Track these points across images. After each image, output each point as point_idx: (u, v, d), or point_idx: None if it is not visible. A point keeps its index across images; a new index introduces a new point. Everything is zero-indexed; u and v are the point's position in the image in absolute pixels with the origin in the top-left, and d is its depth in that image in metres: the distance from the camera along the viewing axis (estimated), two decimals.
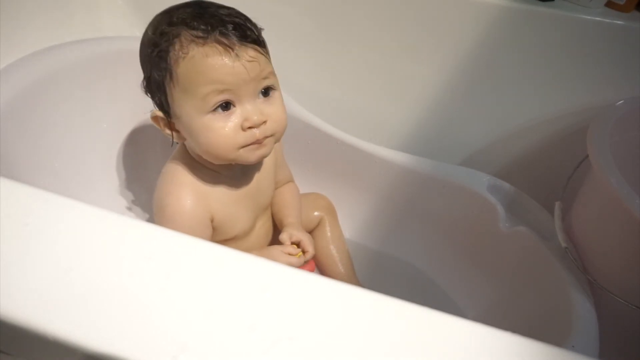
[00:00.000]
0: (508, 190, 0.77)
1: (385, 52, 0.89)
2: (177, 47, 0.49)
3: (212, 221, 0.59)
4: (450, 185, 0.76)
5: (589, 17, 0.78)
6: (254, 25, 0.53)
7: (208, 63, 0.48)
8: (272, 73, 0.54)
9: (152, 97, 0.55)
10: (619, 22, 0.78)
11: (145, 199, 0.79)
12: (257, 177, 0.64)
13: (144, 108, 0.78)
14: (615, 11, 0.80)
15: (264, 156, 0.56)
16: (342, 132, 0.79)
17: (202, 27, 0.49)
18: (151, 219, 0.77)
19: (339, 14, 0.88)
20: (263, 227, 0.69)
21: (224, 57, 0.49)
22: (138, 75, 0.76)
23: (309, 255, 0.63)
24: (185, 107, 0.51)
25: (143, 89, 0.56)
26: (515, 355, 0.29)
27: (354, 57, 0.90)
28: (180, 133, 0.55)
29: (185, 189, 0.57)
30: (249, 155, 0.54)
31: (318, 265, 0.78)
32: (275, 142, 0.57)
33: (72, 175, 0.69)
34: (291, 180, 0.76)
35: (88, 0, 0.83)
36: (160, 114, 0.55)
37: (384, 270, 0.83)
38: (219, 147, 0.52)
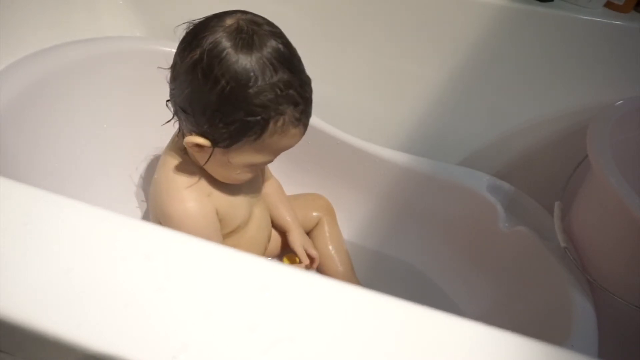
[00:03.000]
0: (508, 190, 0.77)
1: (385, 52, 0.88)
2: (279, 124, 0.50)
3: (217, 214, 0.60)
4: (450, 185, 0.76)
5: (588, 18, 0.78)
6: None
7: (290, 141, 0.53)
8: None
9: (208, 127, 0.51)
10: (618, 22, 0.78)
11: (145, 198, 0.79)
12: None
13: (144, 108, 0.78)
14: (614, 11, 0.80)
15: None
16: (342, 132, 0.79)
17: (302, 107, 0.51)
18: (150, 218, 0.77)
19: (338, 14, 0.88)
20: (262, 217, 0.70)
21: (298, 138, 0.54)
22: (138, 74, 0.76)
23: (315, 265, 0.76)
24: (244, 157, 0.54)
25: (202, 119, 0.51)
26: (515, 355, 0.29)
27: (353, 57, 0.90)
28: (203, 154, 0.54)
29: (185, 192, 0.57)
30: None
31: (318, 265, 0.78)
32: None
33: (72, 175, 0.69)
34: (271, 175, 0.77)
35: (88, 0, 0.83)
36: (206, 143, 0.52)
37: (384, 270, 0.83)
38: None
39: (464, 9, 0.81)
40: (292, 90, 0.50)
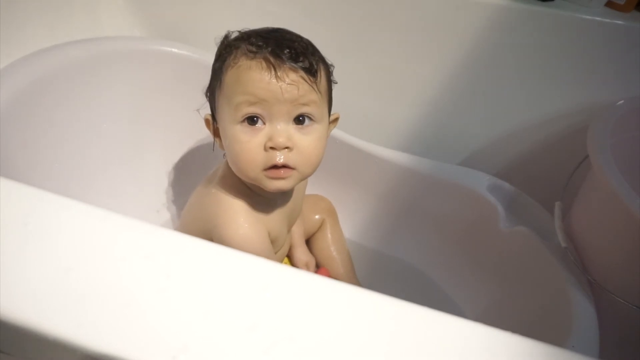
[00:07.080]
0: (508, 190, 0.77)
1: (385, 52, 0.88)
2: (232, 57, 0.51)
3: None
4: (451, 185, 0.76)
5: (589, 17, 0.78)
6: (317, 58, 0.53)
7: (248, 75, 0.49)
8: (315, 103, 0.51)
9: (209, 103, 0.57)
10: (619, 22, 0.78)
11: (144, 199, 0.79)
12: (293, 198, 0.64)
13: (144, 108, 0.78)
14: (615, 11, 0.80)
15: (282, 189, 0.53)
16: (342, 132, 0.79)
17: (260, 43, 0.50)
18: (150, 218, 0.77)
19: (338, 14, 0.88)
20: (287, 244, 0.70)
21: (263, 72, 0.49)
22: (138, 75, 0.76)
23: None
24: (223, 114, 0.53)
25: (206, 96, 0.58)
26: (515, 355, 0.29)
27: (353, 57, 0.90)
28: (218, 139, 0.57)
29: (241, 215, 0.56)
30: (267, 182, 0.52)
31: (319, 266, 0.78)
32: (300, 179, 0.54)
33: (72, 175, 0.69)
34: None
35: (88, 0, 0.83)
36: (209, 117, 0.57)
37: (384, 270, 0.83)
38: (241, 161, 0.52)
39: (464, 9, 0.81)
40: (247, 34, 0.53)
